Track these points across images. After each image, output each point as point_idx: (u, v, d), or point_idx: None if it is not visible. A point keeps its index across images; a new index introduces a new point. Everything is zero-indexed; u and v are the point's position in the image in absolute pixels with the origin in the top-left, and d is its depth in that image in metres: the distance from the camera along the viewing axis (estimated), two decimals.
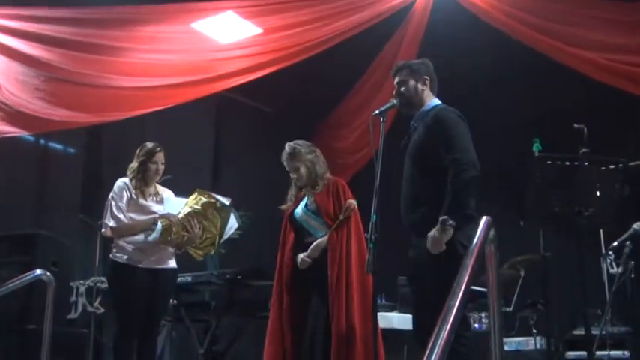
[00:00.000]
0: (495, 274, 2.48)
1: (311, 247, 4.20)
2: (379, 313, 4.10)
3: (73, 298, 5.88)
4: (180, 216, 4.34)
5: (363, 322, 3.94)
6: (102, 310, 5.76)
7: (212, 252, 4.65)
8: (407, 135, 3.63)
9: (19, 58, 5.44)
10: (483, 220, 2.44)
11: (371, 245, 3.23)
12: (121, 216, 4.27)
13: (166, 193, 4.53)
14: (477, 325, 5.82)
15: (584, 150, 3.40)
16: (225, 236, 4.54)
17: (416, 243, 3.46)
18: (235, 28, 5.97)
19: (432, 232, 3.19)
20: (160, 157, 4.42)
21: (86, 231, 6.21)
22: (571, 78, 5.93)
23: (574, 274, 3.83)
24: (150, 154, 4.39)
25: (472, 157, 3.28)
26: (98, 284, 5.75)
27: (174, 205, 4.43)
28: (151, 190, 4.44)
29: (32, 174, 6.55)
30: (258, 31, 5.98)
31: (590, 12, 5.41)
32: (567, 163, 3.40)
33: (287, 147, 4.31)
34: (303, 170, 4.26)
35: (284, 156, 4.31)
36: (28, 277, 4.17)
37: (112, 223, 4.27)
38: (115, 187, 4.36)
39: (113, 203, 4.29)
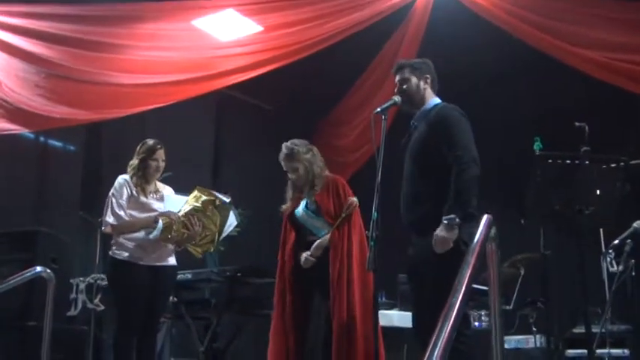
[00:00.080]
0: (496, 272, 2.47)
1: (314, 246, 4.20)
2: (379, 311, 4.10)
3: (73, 296, 5.87)
4: (180, 214, 4.34)
5: (364, 320, 3.95)
6: (102, 307, 5.75)
7: (211, 249, 4.65)
8: (407, 133, 3.63)
9: (19, 54, 5.44)
10: (484, 218, 2.43)
11: (372, 243, 3.23)
12: (122, 213, 4.27)
13: (166, 190, 4.53)
14: (476, 324, 5.81)
15: (585, 148, 3.40)
16: (225, 234, 4.54)
17: (416, 241, 3.46)
18: (236, 26, 5.97)
19: (438, 232, 3.17)
20: (161, 154, 4.41)
21: (86, 228, 6.21)
22: (572, 76, 5.93)
23: (574, 272, 3.83)
24: (150, 151, 4.38)
25: (473, 155, 3.28)
26: (98, 281, 5.75)
27: (174, 202, 4.43)
28: (152, 187, 4.44)
29: (32, 171, 6.54)
30: (259, 28, 5.97)
31: (591, 10, 5.41)
32: (568, 161, 3.39)
33: (284, 147, 4.29)
34: (301, 170, 4.26)
35: (281, 156, 4.29)
36: (28, 275, 4.16)
37: (112, 220, 4.26)
38: (116, 183, 4.35)
39: (113, 200, 4.29)
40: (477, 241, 2.29)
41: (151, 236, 4.24)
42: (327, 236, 4.17)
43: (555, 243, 5.00)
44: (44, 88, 5.45)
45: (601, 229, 5.18)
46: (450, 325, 1.74)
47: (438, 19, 6.08)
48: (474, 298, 5.08)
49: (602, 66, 5.44)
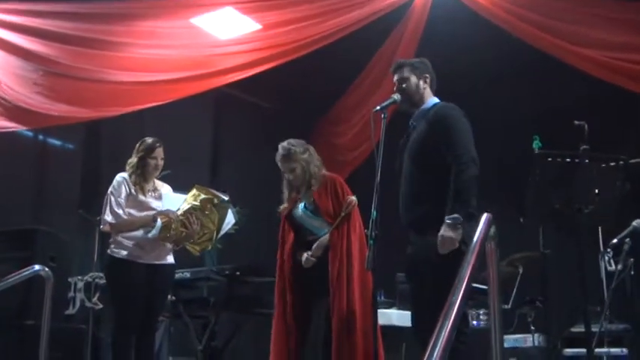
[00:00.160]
0: (496, 271, 2.47)
1: (314, 246, 4.19)
2: (378, 310, 4.10)
3: (71, 294, 5.86)
4: (179, 212, 4.33)
5: (364, 318, 3.94)
6: (100, 305, 5.74)
7: (209, 247, 4.64)
8: (405, 133, 3.63)
9: (17, 52, 5.43)
10: (484, 216, 2.43)
11: (371, 242, 3.22)
12: (120, 211, 4.26)
13: (165, 188, 4.52)
14: (475, 323, 5.81)
15: (584, 147, 3.39)
16: (223, 232, 4.54)
17: (414, 240, 3.46)
18: (234, 24, 5.96)
19: (444, 232, 3.15)
20: (160, 152, 4.41)
21: (85, 226, 6.19)
22: (571, 75, 5.92)
23: (573, 271, 3.82)
24: (149, 150, 4.37)
25: (472, 155, 3.28)
26: (96, 280, 5.74)
27: (172, 200, 4.42)
28: (150, 185, 4.43)
29: (31, 169, 6.53)
30: (258, 26, 5.97)
31: (592, 10, 5.40)
32: (567, 160, 3.38)
33: (281, 148, 4.26)
34: (298, 170, 4.24)
35: (278, 157, 4.26)
36: (26, 273, 4.15)
37: (110, 219, 4.25)
38: (114, 182, 4.34)
39: (112, 199, 4.28)
40: (477, 239, 2.29)
41: (150, 235, 4.23)
42: (328, 236, 4.16)
43: (554, 242, 5.00)
44: (42, 86, 5.45)
45: (599, 228, 5.18)
46: (450, 324, 1.74)
47: (437, 17, 6.06)
48: (473, 297, 5.08)
49: (602, 65, 5.44)
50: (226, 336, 5.35)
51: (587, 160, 3.34)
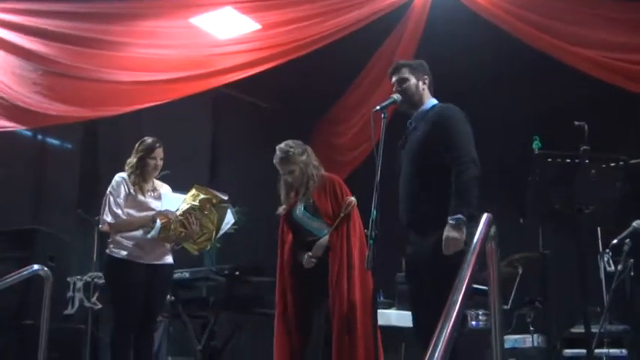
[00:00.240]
0: (496, 271, 2.46)
1: (315, 247, 4.18)
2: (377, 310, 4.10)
3: (70, 294, 5.85)
4: (178, 212, 4.32)
5: (364, 318, 3.94)
6: (99, 305, 5.73)
7: (208, 247, 4.63)
8: (404, 134, 3.62)
9: (16, 51, 5.42)
10: (484, 216, 2.42)
11: (371, 242, 3.22)
12: (119, 211, 4.25)
13: (164, 188, 4.51)
14: (474, 323, 5.80)
15: (584, 147, 3.38)
16: (222, 231, 4.53)
17: (414, 240, 3.45)
18: (234, 24, 5.95)
19: (448, 233, 3.14)
20: (159, 152, 4.40)
21: (83, 226, 6.19)
22: (571, 75, 5.92)
23: (572, 272, 3.82)
24: (149, 150, 4.36)
25: (473, 156, 3.28)
26: (95, 280, 5.73)
27: (171, 200, 4.41)
28: (149, 185, 4.42)
29: (29, 169, 6.52)
30: (257, 26, 5.96)
31: (591, 10, 5.40)
32: (568, 160, 3.37)
33: (279, 151, 4.25)
34: (297, 172, 4.24)
35: (276, 159, 4.25)
36: (25, 273, 4.14)
37: (109, 219, 4.24)
38: (113, 182, 4.33)
39: (111, 199, 4.27)
40: (477, 239, 2.28)
41: (149, 236, 4.22)
42: (327, 237, 4.16)
43: (554, 242, 5.00)
44: (41, 86, 5.43)
45: (599, 229, 5.18)
46: (451, 324, 1.73)
47: (437, 17, 6.06)
48: (472, 298, 5.07)
49: (602, 65, 5.43)
50: (225, 336, 5.34)
51: (587, 161, 3.33)
